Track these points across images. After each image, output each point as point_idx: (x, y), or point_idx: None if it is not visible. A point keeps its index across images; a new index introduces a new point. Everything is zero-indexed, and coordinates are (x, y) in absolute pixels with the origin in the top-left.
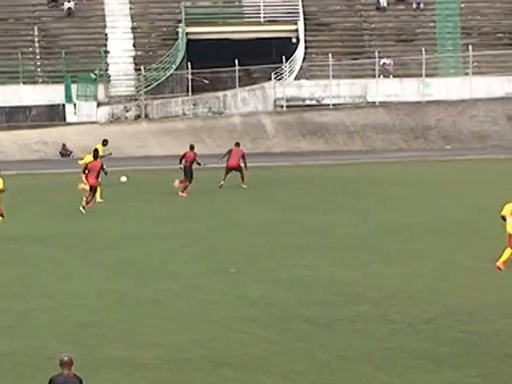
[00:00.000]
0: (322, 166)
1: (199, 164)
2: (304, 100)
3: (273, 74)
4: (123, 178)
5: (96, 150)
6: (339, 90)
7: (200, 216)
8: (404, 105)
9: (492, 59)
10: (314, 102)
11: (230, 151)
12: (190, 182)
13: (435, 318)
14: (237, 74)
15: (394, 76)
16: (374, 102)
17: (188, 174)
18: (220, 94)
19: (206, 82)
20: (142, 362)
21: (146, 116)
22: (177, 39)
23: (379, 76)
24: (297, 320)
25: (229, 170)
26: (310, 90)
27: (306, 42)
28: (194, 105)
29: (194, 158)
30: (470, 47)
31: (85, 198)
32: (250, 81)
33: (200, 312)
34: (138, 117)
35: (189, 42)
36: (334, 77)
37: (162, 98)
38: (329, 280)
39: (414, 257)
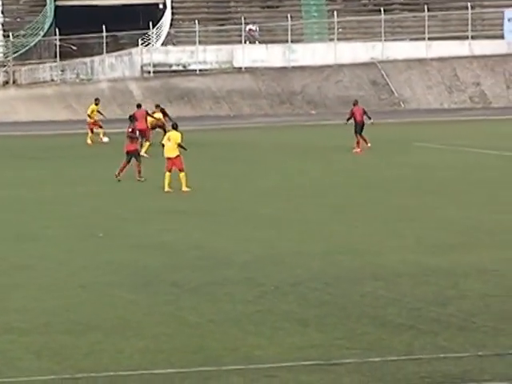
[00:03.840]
0: (188, 131)
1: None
2: (171, 66)
3: (140, 40)
4: (105, 139)
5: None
6: (206, 55)
7: (70, 181)
8: (270, 70)
9: (357, 25)
10: (180, 68)
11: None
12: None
13: (302, 282)
14: (104, 40)
15: (259, 42)
16: (241, 68)
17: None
18: (87, 59)
19: (74, 48)
20: (10, 326)
21: (14, 82)
22: (45, 5)
23: (245, 42)
24: (165, 284)
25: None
26: (176, 55)
27: (172, 8)
28: (62, 71)
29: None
30: (335, 13)
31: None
32: (117, 47)
33: (70, 277)
34: (6, 83)
35: (57, 8)
36: (200, 43)
37: (30, 64)
38: (197, 244)
39: (282, 221)
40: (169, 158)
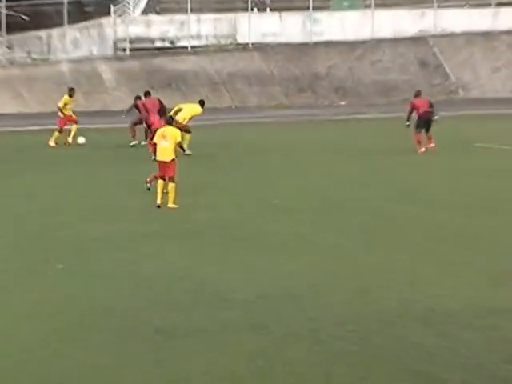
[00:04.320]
0: None
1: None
2: (154, 41)
3: (112, 8)
4: (81, 140)
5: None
6: (200, 27)
7: (23, 192)
8: (285, 47)
9: None
10: (166, 44)
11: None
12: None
13: (322, 327)
14: (65, 8)
15: (271, 9)
16: (247, 44)
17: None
18: (43, 33)
19: (26, 18)
20: None
21: None
22: None
23: (252, 9)
24: (145, 329)
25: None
26: (161, 28)
27: None
28: (9, 48)
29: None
30: None
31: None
32: (82, 16)
33: (13, 325)
34: None
35: None
36: (193, 10)
37: None
38: (184, 275)
39: (296, 245)
40: (163, 163)
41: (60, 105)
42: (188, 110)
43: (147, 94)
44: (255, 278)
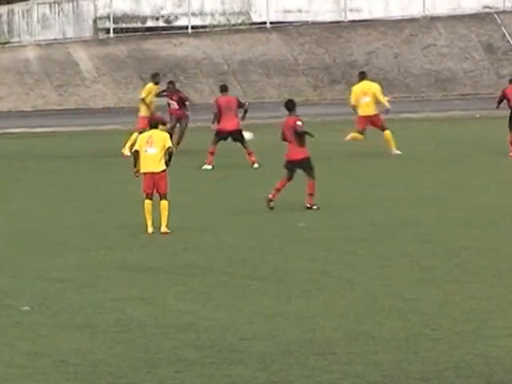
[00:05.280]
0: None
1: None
2: (144, 21)
3: None
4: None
5: None
6: (204, 2)
7: None
8: (313, 28)
9: None
10: (161, 24)
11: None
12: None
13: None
14: None
15: None
16: (264, 24)
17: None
18: (2, 9)
19: None
20: None
21: None
22: None
23: None
24: None
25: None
26: (153, 3)
27: None
28: None
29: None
30: None
31: None
32: None
33: None
34: None
35: None
36: None
37: None
38: (185, 323)
39: (327, 283)
40: (151, 175)
41: (143, 94)
42: None
43: (224, 89)
44: (275, 327)
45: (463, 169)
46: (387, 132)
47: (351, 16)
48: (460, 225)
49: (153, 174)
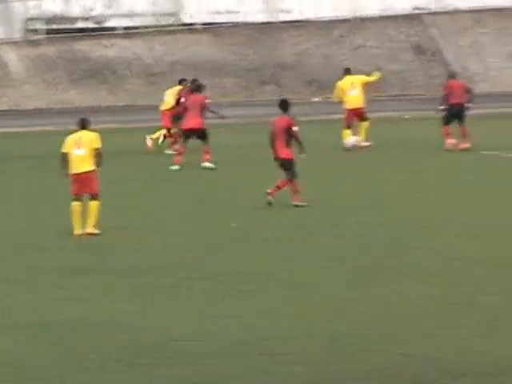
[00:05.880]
0: (105, 130)
1: None
2: (74, 21)
3: None
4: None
5: None
6: (135, 3)
7: None
8: (243, 29)
9: None
10: (91, 25)
11: None
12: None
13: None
14: None
15: None
16: (193, 24)
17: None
18: None
19: None
20: None
21: None
22: None
23: None
24: None
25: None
26: (84, 3)
27: None
28: None
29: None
30: None
31: None
32: None
33: None
34: None
35: None
36: None
37: None
38: (120, 325)
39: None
40: (79, 176)
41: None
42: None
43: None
44: (210, 327)
45: (400, 169)
46: (366, 123)
47: (282, 17)
48: (403, 224)
49: (81, 174)
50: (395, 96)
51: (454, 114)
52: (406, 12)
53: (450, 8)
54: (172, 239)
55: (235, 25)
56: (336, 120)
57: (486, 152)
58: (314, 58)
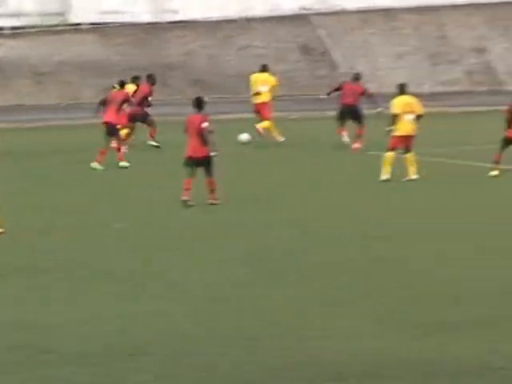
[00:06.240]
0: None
1: None
2: None
3: None
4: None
5: None
6: (21, 2)
7: None
8: (130, 29)
9: None
10: None
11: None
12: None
13: None
14: None
15: None
16: (79, 24)
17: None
18: None
19: None
20: None
21: None
22: None
23: None
24: None
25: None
26: None
27: None
28: None
29: None
30: None
31: None
32: None
33: None
34: None
35: None
36: None
37: None
38: (15, 320)
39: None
40: None
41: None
42: None
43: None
44: (91, 328)
45: (293, 169)
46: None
47: (168, 17)
48: (294, 225)
49: None
50: (281, 96)
51: (346, 113)
52: (293, 12)
53: (338, 8)
54: (59, 239)
55: (121, 25)
56: (222, 120)
57: (372, 152)
58: (199, 58)
